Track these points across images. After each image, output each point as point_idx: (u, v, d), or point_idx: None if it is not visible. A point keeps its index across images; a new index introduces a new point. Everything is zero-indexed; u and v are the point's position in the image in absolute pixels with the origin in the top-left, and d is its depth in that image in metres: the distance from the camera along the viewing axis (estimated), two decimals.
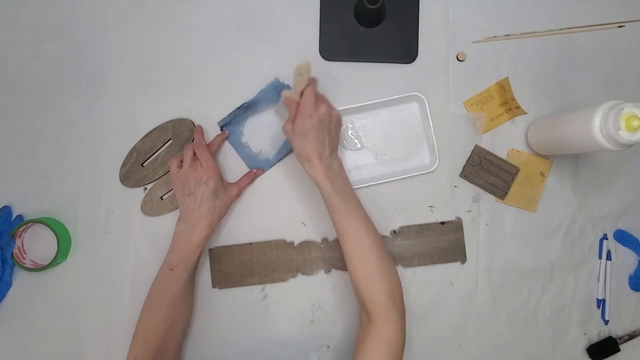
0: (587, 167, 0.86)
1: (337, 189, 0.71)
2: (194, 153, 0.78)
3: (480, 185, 0.85)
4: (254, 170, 0.83)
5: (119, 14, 0.85)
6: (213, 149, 0.81)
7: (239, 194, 0.81)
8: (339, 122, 0.75)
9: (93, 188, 0.84)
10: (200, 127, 0.83)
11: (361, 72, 0.85)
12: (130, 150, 0.84)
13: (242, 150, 0.84)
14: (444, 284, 0.84)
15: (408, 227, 0.84)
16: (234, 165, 0.84)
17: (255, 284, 0.83)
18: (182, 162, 0.78)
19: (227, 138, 0.83)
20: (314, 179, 0.72)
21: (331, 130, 0.73)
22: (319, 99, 0.73)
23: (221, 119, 0.84)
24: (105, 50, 0.85)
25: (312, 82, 0.74)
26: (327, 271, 0.84)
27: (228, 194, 0.79)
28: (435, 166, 0.83)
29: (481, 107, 0.86)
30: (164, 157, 0.84)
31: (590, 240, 0.86)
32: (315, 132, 0.70)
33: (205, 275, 0.82)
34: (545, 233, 0.86)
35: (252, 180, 0.83)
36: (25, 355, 0.82)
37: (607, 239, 0.86)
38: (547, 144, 0.82)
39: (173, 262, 0.75)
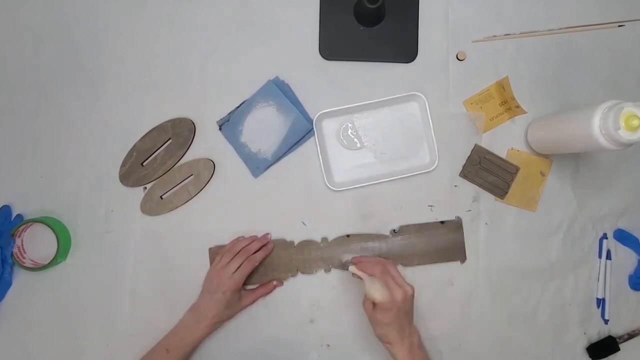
0: (587, 167, 0.86)
1: None
2: (235, 256, 0.79)
3: (480, 185, 0.85)
4: (273, 282, 0.83)
5: (119, 14, 0.86)
6: (257, 294, 0.82)
7: (252, 303, 0.82)
8: (413, 297, 0.73)
9: (93, 187, 0.84)
10: (266, 237, 0.83)
11: (361, 72, 0.85)
12: (130, 150, 0.84)
13: (241, 149, 0.84)
14: (443, 284, 0.84)
15: (408, 226, 0.84)
16: (234, 165, 0.84)
17: (255, 283, 0.83)
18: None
19: (275, 287, 0.83)
20: (395, 358, 0.71)
21: (408, 310, 0.72)
22: (393, 283, 0.71)
23: (220, 118, 0.84)
24: (105, 50, 0.85)
25: (389, 269, 0.73)
26: (327, 271, 0.84)
27: (241, 304, 0.80)
28: (435, 165, 0.83)
29: (481, 107, 0.86)
30: (164, 157, 0.84)
31: (590, 239, 0.86)
32: (396, 321, 0.70)
33: (205, 273, 0.81)
34: (545, 232, 0.86)
35: (270, 292, 0.83)
36: (25, 355, 0.82)
37: (607, 238, 0.86)
38: (546, 144, 0.82)
39: (171, 344, 0.77)
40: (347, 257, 0.83)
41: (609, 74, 0.87)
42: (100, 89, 0.85)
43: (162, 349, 0.76)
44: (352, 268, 0.74)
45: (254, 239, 0.82)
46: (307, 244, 0.84)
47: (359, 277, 0.73)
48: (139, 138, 0.84)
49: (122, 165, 0.84)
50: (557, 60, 0.87)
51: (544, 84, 0.86)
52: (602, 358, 0.84)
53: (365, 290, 0.72)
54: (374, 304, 0.72)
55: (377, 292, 0.71)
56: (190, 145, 0.84)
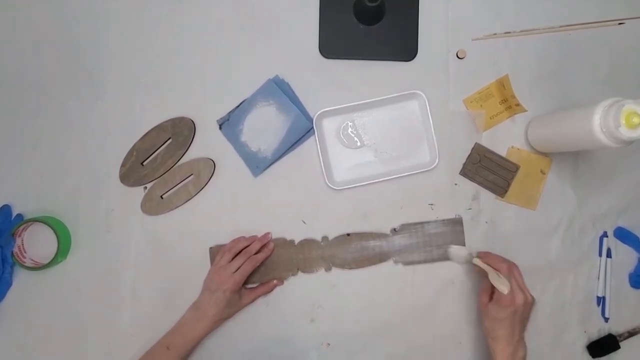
0: (587, 165, 0.86)
1: None
2: (236, 255, 0.79)
3: (480, 183, 0.85)
4: (274, 281, 0.83)
5: (119, 13, 0.86)
6: (257, 293, 0.82)
7: (252, 302, 0.82)
8: (532, 308, 0.74)
9: (93, 187, 0.84)
10: (267, 237, 0.83)
11: (361, 70, 0.85)
12: (130, 150, 0.84)
13: (241, 148, 0.84)
14: (444, 282, 0.84)
15: (408, 224, 0.84)
16: (234, 164, 0.84)
17: (255, 282, 0.83)
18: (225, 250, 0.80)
19: (275, 287, 0.83)
20: (495, 358, 0.72)
21: (524, 318, 0.73)
22: (516, 284, 0.72)
23: (220, 117, 0.84)
24: (105, 49, 0.85)
25: (515, 271, 0.74)
26: (328, 269, 0.84)
27: (241, 303, 0.80)
28: (435, 164, 0.83)
29: (481, 105, 0.86)
30: (164, 156, 0.84)
31: (590, 237, 0.86)
32: (509, 320, 0.71)
33: (205, 273, 0.81)
34: (545, 231, 0.85)
35: (270, 291, 0.83)
36: (25, 354, 0.82)
37: (607, 236, 0.86)
38: (547, 142, 0.82)
39: (172, 341, 0.77)
40: (460, 250, 0.83)
41: (609, 71, 0.87)
42: (100, 88, 0.85)
43: (163, 346, 0.76)
44: (477, 260, 0.76)
45: (254, 239, 0.82)
46: (307, 242, 0.84)
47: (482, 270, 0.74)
48: (139, 138, 0.84)
49: (122, 165, 0.84)
50: (557, 58, 0.87)
51: (544, 82, 0.86)
52: (602, 356, 0.84)
53: (490, 280, 0.72)
54: (491, 298, 0.73)
55: (504, 285, 0.70)
56: (190, 145, 0.84)
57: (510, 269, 0.73)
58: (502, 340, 0.71)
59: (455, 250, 0.83)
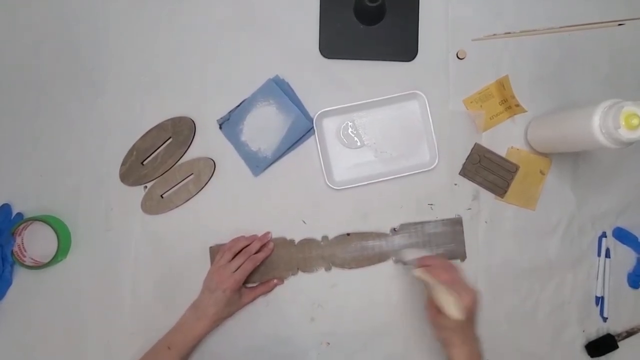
0: (586, 165, 0.86)
1: None
2: (236, 254, 0.79)
3: (479, 183, 0.86)
4: (274, 281, 0.83)
5: (119, 13, 0.86)
6: (257, 292, 0.82)
7: (252, 301, 0.82)
8: (478, 302, 0.69)
9: (93, 186, 0.84)
10: (267, 236, 0.83)
11: (361, 70, 0.85)
12: (130, 149, 0.84)
13: (241, 148, 0.84)
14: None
15: (408, 224, 0.85)
16: (234, 164, 0.84)
17: (255, 282, 0.83)
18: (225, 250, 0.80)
19: (275, 286, 0.83)
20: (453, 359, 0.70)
21: (473, 314, 0.69)
22: (460, 288, 0.68)
23: (220, 117, 0.84)
24: (105, 49, 0.85)
25: (454, 274, 0.70)
26: (328, 269, 0.84)
27: (241, 302, 0.80)
28: (435, 164, 0.84)
29: (481, 105, 0.86)
30: (164, 156, 0.84)
31: (589, 238, 0.86)
32: (462, 324, 0.67)
33: (205, 272, 0.81)
34: (544, 231, 0.86)
35: (270, 290, 0.83)
36: (25, 353, 0.82)
37: (606, 236, 0.86)
38: (546, 142, 0.83)
39: (172, 341, 0.77)
40: (407, 254, 0.78)
41: (609, 72, 0.87)
42: (100, 88, 0.85)
43: (164, 346, 0.77)
44: (417, 272, 0.71)
45: (254, 238, 0.82)
46: (307, 242, 0.84)
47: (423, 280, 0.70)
48: (139, 137, 0.84)
49: (123, 164, 0.84)
50: (557, 59, 0.87)
51: (544, 82, 0.86)
52: (600, 356, 0.85)
53: (433, 295, 0.69)
54: (436, 311, 0.69)
55: (446, 301, 0.66)
56: (190, 144, 0.84)
57: (452, 277, 0.70)
58: (457, 345, 0.69)
59: (406, 252, 0.79)
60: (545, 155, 0.86)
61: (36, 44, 0.85)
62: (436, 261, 0.74)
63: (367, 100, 0.84)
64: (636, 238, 0.86)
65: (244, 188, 0.84)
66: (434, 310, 0.70)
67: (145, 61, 0.85)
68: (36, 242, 0.82)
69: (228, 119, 0.84)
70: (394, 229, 0.85)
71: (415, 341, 0.83)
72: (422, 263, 0.74)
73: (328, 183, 0.83)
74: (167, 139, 0.84)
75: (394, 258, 0.84)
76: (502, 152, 0.86)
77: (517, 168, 0.85)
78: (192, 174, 0.84)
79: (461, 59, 0.86)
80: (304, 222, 0.84)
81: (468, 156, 0.85)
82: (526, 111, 0.82)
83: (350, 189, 0.84)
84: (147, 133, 0.84)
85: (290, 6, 0.86)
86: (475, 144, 0.85)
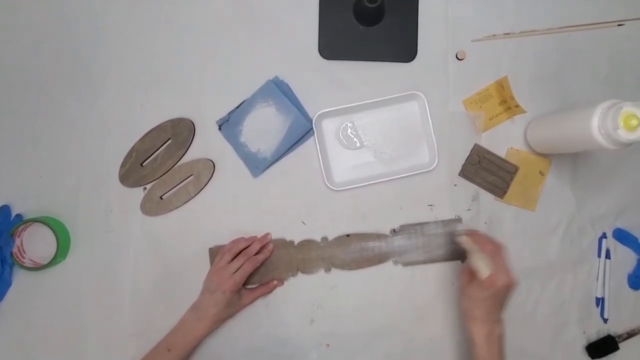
0: (586, 166, 0.86)
1: (491, 354, 0.70)
2: (236, 255, 0.79)
3: (479, 184, 0.85)
4: (274, 282, 0.83)
5: (119, 13, 0.85)
6: (257, 294, 0.82)
7: (252, 302, 0.82)
8: (513, 290, 0.71)
9: (92, 187, 0.84)
10: (267, 237, 0.83)
11: (360, 71, 0.85)
12: (130, 150, 0.84)
13: (240, 149, 0.84)
14: (444, 283, 0.84)
15: (408, 225, 0.84)
16: (233, 165, 0.84)
17: (255, 283, 0.83)
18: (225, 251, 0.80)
19: (274, 288, 0.83)
20: (472, 338, 0.71)
21: (504, 299, 0.71)
22: (500, 265, 0.69)
23: (220, 118, 0.84)
24: (105, 50, 0.85)
25: (500, 252, 0.71)
26: (327, 270, 0.84)
27: (241, 304, 0.80)
28: (434, 165, 0.84)
29: (480, 106, 0.86)
30: (164, 157, 0.84)
31: (589, 238, 0.86)
32: (488, 301, 0.70)
33: (205, 273, 0.81)
34: (544, 232, 0.86)
35: (270, 291, 0.83)
36: (25, 354, 0.82)
37: (606, 237, 0.86)
38: (546, 143, 0.83)
39: (172, 342, 0.77)
40: (460, 225, 0.82)
41: (609, 73, 0.87)
42: (100, 88, 0.85)
43: (164, 348, 0.77)
44: (463, 238, 0.75)
45: (254, 239, 0.82)
46: (307, 243, 0.84)
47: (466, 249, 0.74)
48: (138, 138, 0.84)
49: (122, 166, 0.84)
50: (556, 60, 0.87)
51: (543, 83, 0.86)
52: (601, 357, 0.84)
53: (471, 261, 0.72)
54: (472, 278, 0.71)
55: (485, 266, 0.69)
56: (189, 146, 0.84)
57: (496, 251, 0.71)
58: (479, 320, 0.70)
59: (458, 224, 0.83)
60: (544, 156, 0.86)
61: (36, 44, 0.85)
62: (485, 236, 0.76)
63: (367, 101, 0.84)
64: (636, 239, 0.86)
65: (243, 189, 0.84)
66: (467, 277, 0.73)
67: (145, 61, 0.85)
68: (35, 243, 0.82)
69: (227, 120, 0.84)
70: (394, 230, 0.84)
71: (415, 342, 0.83)
72: (471, 234, 0.77)
73: (327, 184, 0.83)
74: (167, 140, 0.84)
75: (393, 259, 0.84)
76: (501, 152, 0.86)
77: (516, 169, 0.85)
78: (191, 175, 0.84)
79: (461, 59, 0.86)
80: (303, 223, 0.84)
81: (467, 157, 0.85)
82: (526, 112, 0.82)
83: (349, 190, 0.84)
84: (146, 134, 0.84)
85: (290, 7, 0.86)
86: (475, 144, 0.85)
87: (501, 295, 0.70)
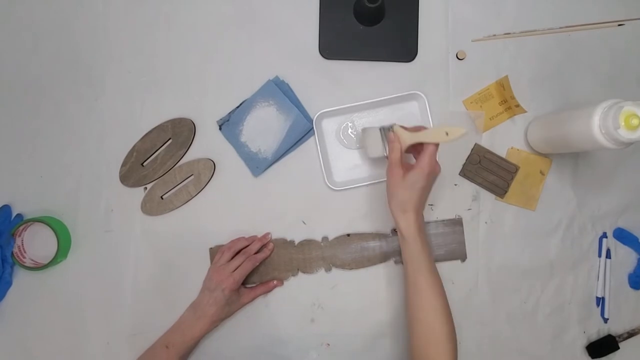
0: (586, 166, 0.86)
1: (423, 245, 0.71)
2: (236, 254, 0.80)
3: (480, 184, 0.85)
4: (274, 282, 0.83)
5: (118, 13, 0.86)
6: (256, 292, 0.82)
7: (251, 301, 0.82)
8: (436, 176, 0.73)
9: (93, 187, 0.84)
10: (267, 237, 0.83)
11: (361, 71, 0.85)
12: (130, 150, 0.84)
13: (241, 149, 0.84)
14: (444, 282, 0.83)
15: None
16: (234, 165, 0.84)
17: (255, 282, 0.83)
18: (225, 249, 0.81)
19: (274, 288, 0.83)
20: (404, 231, 0.71)
21: (431, 186, 0.73)
22: (432, 155, 0.70)
23: (220, 117, 0.84)
24: (105, 49, 0.85)
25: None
26: (328, 270, 0.84)
27: (240, 302, 0.80)
28: None
29: (481, 106, 0.86)
30: (164, 157, 0.84)
31: (590, 238, 0.86)
32: (426, 188, 0.71)
33: (205, 273, 0.81)
34: (544, 231, 0.86)
35: (270, 290, 0.83)
36: (26, 354, 0.82)
37: (606, 237, 0.86)
38: (546, 143, 0.83)
39: (171, 340, 0.76)
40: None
41: (609, 72, 0.87)
42: (100, 88, 0.85)
43: (162, 345, 0.76)
44: (396, 127, 0.72)
45: (254, 239, 0.82)
46: (307, 243, 0.84)
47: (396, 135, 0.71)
48: (139, 138, 0.84)
49: (123, 166, 0.84)
50: (557, 59, 0.87)
51: (543, 83, 0.86)
52: (601, 357, 0.84)
53: (413, 142, 0.70)
54: (406, 169, 0.70)
55: (446, 128, 0.67)
56: (190, 145, 0.84)
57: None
58: (412, 212, 0.70)
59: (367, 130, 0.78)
60: (545, 155, 0.86)
61: (35, 43, 0.85)
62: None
63: (367, 101, 0.84)
64: (637, 239, 0.86)
65: (243, 189, 0.84)
66: (399, 171, 0.70)
67: (144, 61, 0.85)
68: (36, 243, 0.82)
69: (228, 120, 0.84)
70: (394, 229, 0.84)
71: None
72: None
73: (328, 184, 0.83)
74: (167, 140, 0.84)
75: (394, 259, 0.84)
76: (502, 152, 0.86)
77: (517, 168, 0.85)
78: (192, 175, 0.84)
79: (461, 59, 0.86)
80: (304, 222, 0.84)
81: (468, 157, 0.85)
82: (526, 112, 0.82)
83: (350, 190, 0.84)
84: (147, 134, 0.84)
85: (290, 7, 0.86)
86: (475, 144, 0.85)
87: (432, 181, 0.71)
